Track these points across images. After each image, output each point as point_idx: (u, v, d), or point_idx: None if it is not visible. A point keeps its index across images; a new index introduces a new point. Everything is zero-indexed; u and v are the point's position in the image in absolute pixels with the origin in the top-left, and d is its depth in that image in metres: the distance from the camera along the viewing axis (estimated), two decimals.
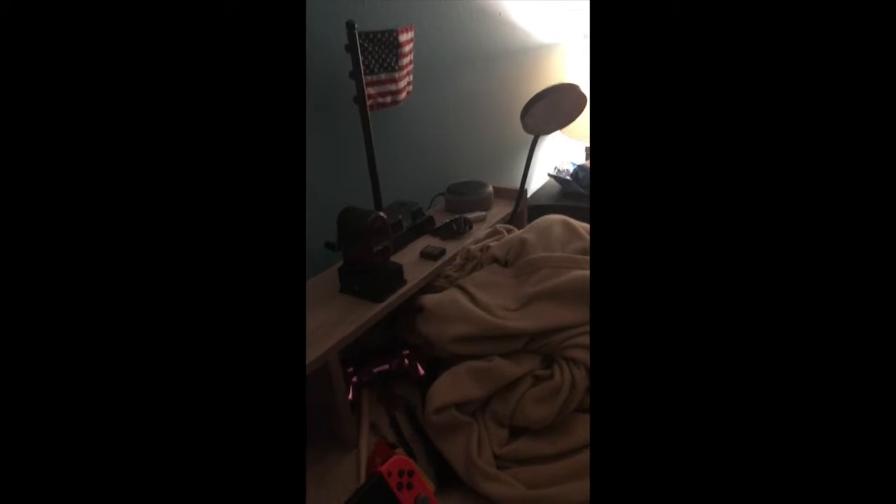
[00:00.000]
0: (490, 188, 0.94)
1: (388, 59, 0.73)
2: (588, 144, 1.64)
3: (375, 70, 0.73)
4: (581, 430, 0.60)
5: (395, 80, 0.75)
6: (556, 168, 1.38)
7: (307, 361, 0.55)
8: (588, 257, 0.69)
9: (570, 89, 0.73)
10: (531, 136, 0.82)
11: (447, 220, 0.84)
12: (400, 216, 0.80)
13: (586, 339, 0.61)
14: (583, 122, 1.40)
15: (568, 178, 1.27)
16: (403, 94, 0.80)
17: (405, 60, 0.77)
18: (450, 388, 0.61)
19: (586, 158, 1.64)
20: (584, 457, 0.58)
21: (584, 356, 0.60)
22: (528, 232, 0.75)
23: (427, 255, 0.76)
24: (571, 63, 1.47)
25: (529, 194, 1.28)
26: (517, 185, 0.93)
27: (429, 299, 0.69)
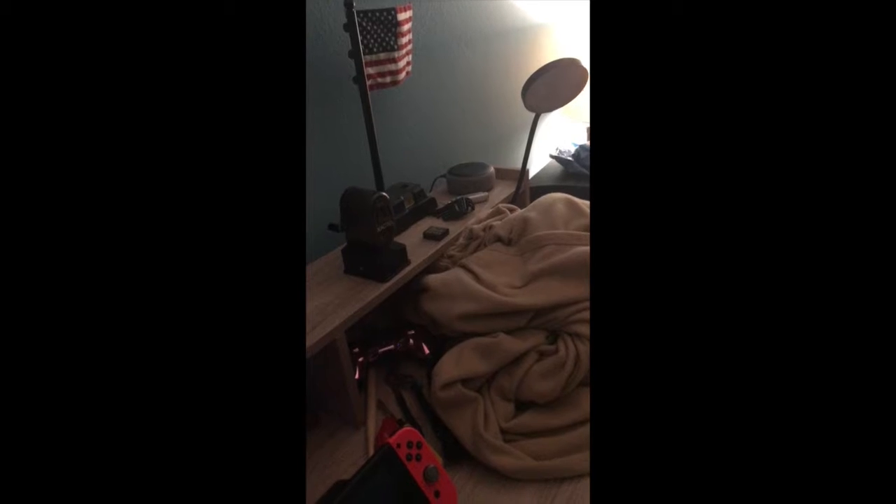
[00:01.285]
0: (491, 169, 0.94)
1: (386, 39, 0.73)
2: (589, 125, 1.62)
3: (374, 49, 0.72)
4: (585, 403, 0.61)
5: (394, 60, 0.75)
6: (557, 149, 1.38)
7: (314, 341, 0.56)
8: (590, 234, 0.69)
9: (570, 64, 0.73)
10: (531, 117, 0.82)
11: (449, 202, 0.84)
12: (402, 198, 0.80)
13: (590, 315, 0.62)
14: (583, 102, 1.39)
15: (570, 158, 1.26)
16: (403, 75, 0.79)
17: (404, 40, 0.76)
18: (455, 364, 0.62)
19: (588, 138, 1.63)
20: (588, 429, 0.58)
21: (588, 331, 0.61)
22: (530, 210, 0.75)
23: (430, 236, 0.76)
24: (569, 42, 1.45)
25: (531, 176, 1.28)
26: (518, 165, 0.92)
27: (433, 279, 0.70)
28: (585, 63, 0.75)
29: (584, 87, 0.77)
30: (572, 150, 1.31)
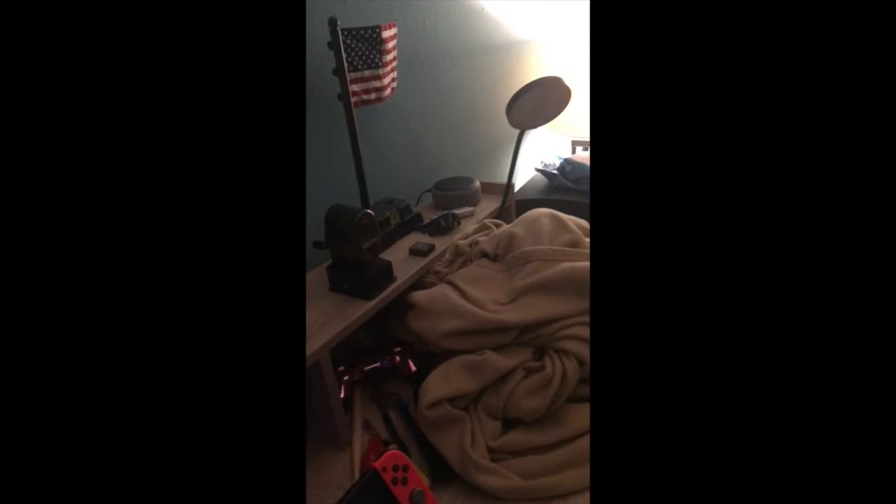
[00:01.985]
0: (477, 183, 0.94)
1: (371, 56, 0.73)
2: (574, 138, 1.65)
3: (359, 67, 0.73)
4: (573, 419, 0.60)
5: (379, 77, 0.75)
6: (542, 162, 1.39)
7: None
8: (577, 249, 0.69)
9: (554, 82, 0.74)
10: (517, 132, 0.82)
11: (435, 217, 0.84)
12: (388, 213, 0.79)
13: (577, 331, 0.62)
14: (568, 117, 1.41)
15: (555, 171, 1.27)
16: (388, 91, 0.80)
17: (389, 57, 0.77)
18: (442, 382, 0.61)
19: (572, 152, 1.65)
20: (578, 446, 0.58)
21: (575, 347, 0.61)
22: (516, 226, 0.75)
23: (416, 252, 0.76)
24: (552, 58, 1.47)
25: (517, 189, 1.28)
26: (504, 179, 0.93)
27: (419, 296, 0.69)
28: (568, 81, 0.76)
29: (567, 104, 0.78)
30: (557, 163, 1.33)
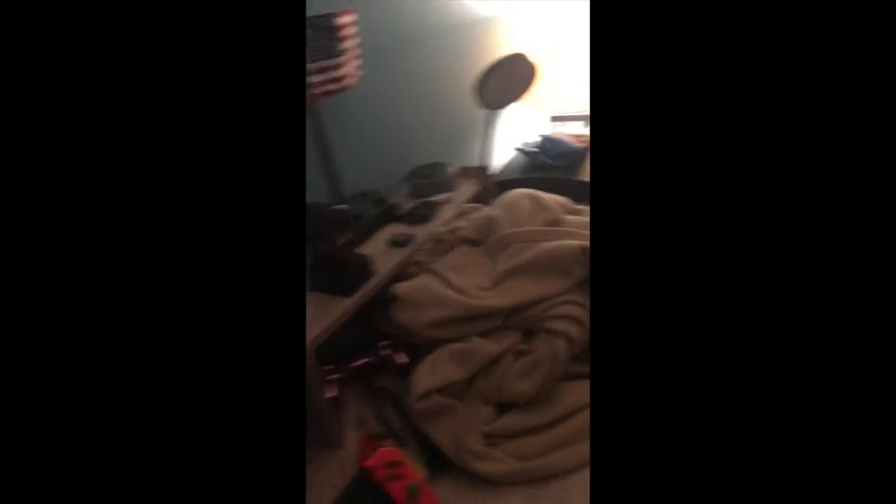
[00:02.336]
0: (454, 168, 0.92)
1: (329, 45, 0.70)
2: (553, 113, 1.63)
3: (317, 57, 0.70)
4: (566, 398, 0.60)
5: (339, 66, 0.73)
6: (523, 142, 1.37)
7: None
8: (557, 228, 0.68)
9: (517, 59, 0.72)
10: (491, 112, 0.80)
11: (413, 206, 0.82)
12: (363, 206, 0.78)
13: (564, 310, 0.61)
14: (546, 92, 1.39)
15: (536, 150, 1.25)
16: (352, 79, 0.77)
17: (347, 44, 0.74)
18: (431, 373, 0.60)
19: (553, 129, 1.63)
20: (572, 424, 0.58)
21: (563, 326, 0.60)
22: (495, 209, 0.74)
23: (396, 243, 0.75)
24: (520, 35, 1.45)
25: (497, 171, 1.27)
26: (481, 162, 0.91)
27: (402, 287, 0.68)
28: (538, 57, 0.74)
29: (533, 80, 0.76)
30: (538, 141, 1.31)
